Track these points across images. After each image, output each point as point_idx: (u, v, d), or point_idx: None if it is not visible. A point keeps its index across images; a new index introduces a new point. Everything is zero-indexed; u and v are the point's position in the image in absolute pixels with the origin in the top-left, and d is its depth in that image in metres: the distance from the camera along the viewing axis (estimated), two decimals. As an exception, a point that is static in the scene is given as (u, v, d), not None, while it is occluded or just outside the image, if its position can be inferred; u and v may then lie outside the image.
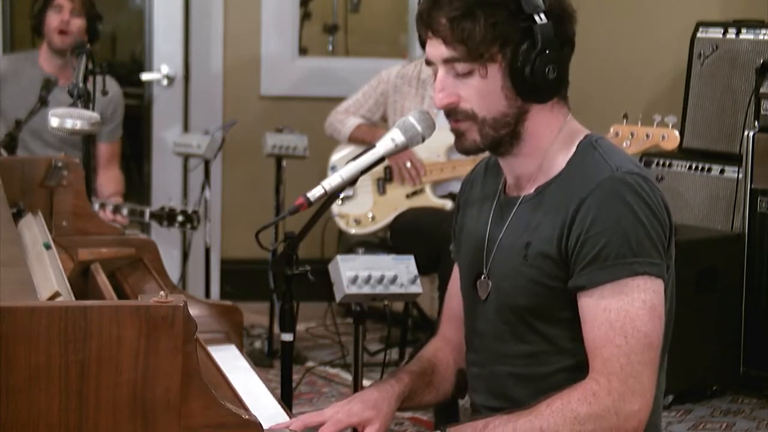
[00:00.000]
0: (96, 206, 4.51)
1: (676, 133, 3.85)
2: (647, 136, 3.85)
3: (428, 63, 2.12)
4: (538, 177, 2.11)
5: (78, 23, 4.84)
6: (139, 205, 4.66)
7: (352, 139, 5.05)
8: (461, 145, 2.12)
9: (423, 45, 2.13)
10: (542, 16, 2.02)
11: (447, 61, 2.06)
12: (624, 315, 1.97)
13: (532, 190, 2.12)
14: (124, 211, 4.57)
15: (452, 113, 2.09)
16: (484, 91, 2.05)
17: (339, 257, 2.65)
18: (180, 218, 4.51)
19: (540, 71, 2.03)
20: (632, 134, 3.86)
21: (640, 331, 1.97)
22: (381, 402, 2.11)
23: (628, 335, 1.96)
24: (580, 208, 2.01)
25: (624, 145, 3.82)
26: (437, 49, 2.06)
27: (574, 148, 2.10)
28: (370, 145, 2.22)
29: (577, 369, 2.03)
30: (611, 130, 3.86)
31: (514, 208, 2.13)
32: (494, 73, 2.05)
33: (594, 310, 1.99)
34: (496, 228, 2.16)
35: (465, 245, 2.25)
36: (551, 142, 2.10)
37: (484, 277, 2.16)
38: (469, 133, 2.09)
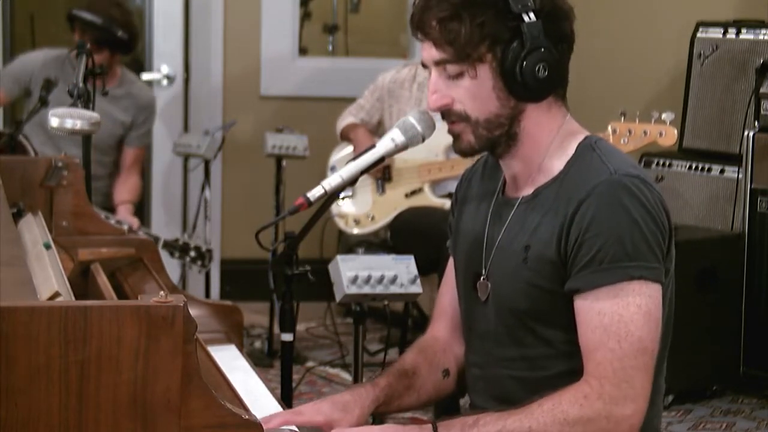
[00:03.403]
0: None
1: (674, 129, 3.83)
2: (645, 133, 3.83)
3: (424, 65, 2.12)
4: (537, 178, 2.11)
5: (99, 58, 4.77)
6: (153, 232, 4.69)
7: (342, 137, 5.12)
8: (457, 147, 2.12)
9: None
10: (531, 14, 2.01)
11: (438, 63, 2.06)
12: (618, 319, 1.96)
13: (530, 191, 2.11)
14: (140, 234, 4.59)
15: (447, 115, 2.09)
16: (475, 93, 2.05)
17: (339, 257, 2.66)
18: (192, 253, 4.56)
19: (530, 70, 2.02)
20: (630, 131, 3.84)
21: (634, 335, 1.96)
22: (352, 405, 2.09)
23: (621, 339, 1.96)
24: (578, 210, 2.01)
25: (621, 142, 3.79)
26: (429, 51, 2.07)
27: (573, 150, 2.09)
28: (370, 145, 2.22)
29: (577, 373, 2.01)
30: (608, 127, 3.84)
31: (512, 208, 2.13)
32: (485, 74, 2.05)
33: (589, 314, 1.99)
34: (494, 228, 2.16)
35: (462, 243, 2.24)
36: (549, 143, 2.10)
37: (484, 279, 2.16)
38: (464, 134, 2.09)
